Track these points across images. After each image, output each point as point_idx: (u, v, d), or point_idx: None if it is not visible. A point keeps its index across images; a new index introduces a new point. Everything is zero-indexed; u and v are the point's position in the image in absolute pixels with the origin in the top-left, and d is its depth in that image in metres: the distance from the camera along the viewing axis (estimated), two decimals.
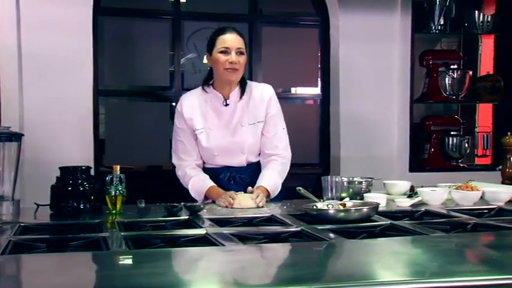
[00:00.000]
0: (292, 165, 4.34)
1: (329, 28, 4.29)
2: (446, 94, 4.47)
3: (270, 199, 2.69)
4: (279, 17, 4.38)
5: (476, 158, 4.81)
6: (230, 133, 2.75)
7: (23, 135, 2.32)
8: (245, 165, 2.79)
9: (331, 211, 2.17)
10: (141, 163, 4.09)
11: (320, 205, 2.29)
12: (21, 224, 2.05)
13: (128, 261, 1.57)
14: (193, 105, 2.77)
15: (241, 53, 2.69)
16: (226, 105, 2.76)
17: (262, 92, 2.82)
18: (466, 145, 4.50)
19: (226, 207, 2.47)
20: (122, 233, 1.90)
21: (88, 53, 3.73)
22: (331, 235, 1.88)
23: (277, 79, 4.32)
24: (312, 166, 4.40)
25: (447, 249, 1.67)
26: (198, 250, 1.68)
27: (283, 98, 4.45)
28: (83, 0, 3.70)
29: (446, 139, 4.47)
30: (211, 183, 2.70)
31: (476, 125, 4.96)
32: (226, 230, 1.96)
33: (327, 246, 1.75)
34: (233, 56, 2.66)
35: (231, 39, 2.68)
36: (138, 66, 4.07)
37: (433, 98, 4.53)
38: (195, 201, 2.69)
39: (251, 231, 1.97)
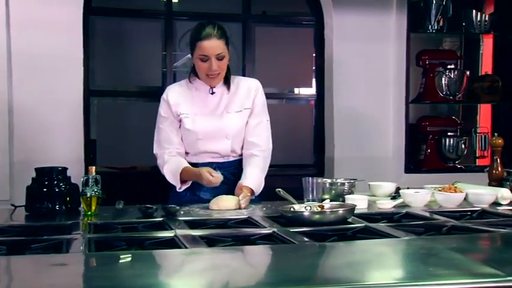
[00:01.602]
0: (286, 166, 4.37)
1: (323, 28, 4.25)
2: (443, 94, 4.41)
3: (254, 197, 2.66)
4: (272, 17, 4.35)
5: (477, 160, 4.75)
6: (216, 119, 2.72)
7: None
8: (229, 153, 2.75)
9: (306, 213, 2.13)
10: (132, 163, 4.07)
11: (297, 207, 2.25)
12: None
13: (75, 264, 1.54)
14: (179, 93, 2.75)
15: (222, 57, 2.63)
16: (213, 93, 2.74)
17: (250, 84, 2.82)
18: (463, 146, 4.43)
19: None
20: (88, 235, 1.87)
21: (78, 53, 3.72)
22: (301, 238, 1.84)
23: (271, 79, 4.29)
24: (306, 167, 4.35)
25: (409, 252, 1.64)
26: (157, 253, 1.65)
27: (277, 98, 4.44)
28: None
29: (443, 140, 4.41)
30: (185, 163, 2.66)
31: (478, 126, 4.89)
32: (196, 233, 1.93)
33: (290, 249, 1.72)
34: (213, 65, 2.60)
35: (209, 47, 2.58)
36: (130, 66, 4.06)
37: (430, 99, 4.47)
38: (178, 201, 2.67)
39: (221, 234, 1.94)
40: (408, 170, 4.36)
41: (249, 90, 2.79)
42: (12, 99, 3.60)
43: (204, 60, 2.61)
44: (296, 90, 4.47)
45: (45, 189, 2.32)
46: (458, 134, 4.49)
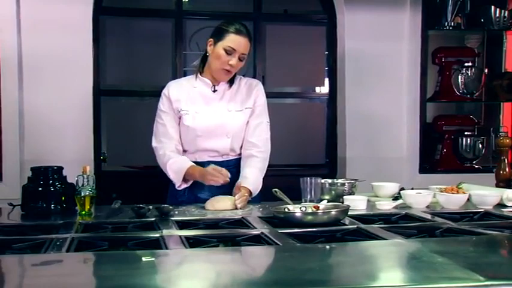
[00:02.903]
0: (297, 165, 4.32)
1: (336, 26, 4.19)
2: (459, 93, 4.31)
3: (251, 197, 2.63)
4: (284, 15, 4.30)
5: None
6: (216, 117, 2.69)
7: None
8: (228, 152, 2.72)
9: (298, 214, 2.09)
10: (142, 163, 4.06)
11: (291, 208, 2.21)
12: None
13: (47, 265, 1.52)
14: (180, 89, 2.73)
15: (243, 59, 2.64)
16: (215, 91, 2.72)
17: (252, 84, 2.80)
18: (481, 146, 4.32)
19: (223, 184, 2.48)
20: (74, 235, 1.86)
21: (88, 53, 3.74)
22: (287, 239, 1.81)
23: (282, 78, 4.26)
24: (318, 167, 4.29)
25: (390, 255, 1.59)
26: (132, 254, 1.63)
27: (289, 97, 4.39)
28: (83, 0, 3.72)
29: (460, 139, 4.31)
30: (191, 163, 2.64)
31: (501, 125, 4.75)
32: (183, 233, 1.91)
33: (269, 251, 1.69)
34: (235, 60, 2.60)
35: (241, 43, 2.59)
36: (140, 66, 4.06)
37: (446, 97, 4.36)
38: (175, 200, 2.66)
39: (208, 235, 1.91)
40: (423, 170, 4.27)
41: (250, 90, 2.77)
42: (22, 99, 3.64)
43: (229, 53, 2.59)
44: (308, 90, 4.41)
45: (40, 189, 2.33)
46: (475, 133, 4.37)
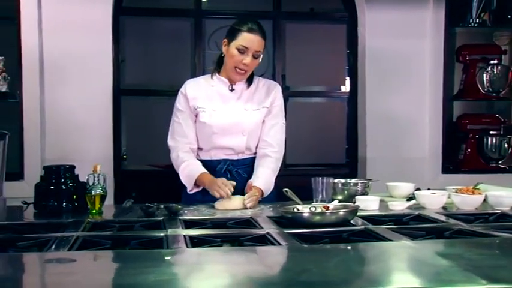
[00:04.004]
0: (318, 165, 4.28)
1: (356, 24, 4.13)
2: (484, 91, 4.20)
3: (263, 198, 2.61)
4: (304, 14, 4.27)
5: None
6: (233, 115, 2.69)
7: (7, 134, 2.34)
8: (244, 150, 2.71)
9: (306, 214, 2.06)
10: (162, 162, 4.08)
11: (300, 208, 2.18)
12: None
13: (45, 263, 1.53)
14: (198, 87, 2.74)
15: (257, 56, 2.63)
16: (232, 89, 2.71)
17: (270, 85, 2.80)
18: (507, 145, 4.21)
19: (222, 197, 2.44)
20: (79, 233, 1.87)
21: (108, 53, 3.77)
22: (291, 240, 1.78)
23: (302, 77, 4.23)
24: (339, 167, 4.25)
25: (391, 257, 1.55)
26: (130, 253, 1.63)
27: (309, 96, 4.35)
28: (103, 0, 3.75)
29: (485, 139, 4.21)
30: (203, 169, 2.64)
31: None
32: (188, 233, 1.90)
33: (268, 251, 1.66)
34: (248, 59, 2.59)
35: (253, 41, 2.58)
36: (160, 65, 4.08)
37: (470, 96, 4.27)
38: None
39: (213, 234, 1.90)
40: (446, 170, 4.18)
41: (268, 91, 2.76)
42: (44, 99, 3.69)
43: (242, 51, 2.59)
44: (328, 89, 4.37)
45: (52, 187, 2.35)
46: (501, 132, 4.26)
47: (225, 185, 2.48)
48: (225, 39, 2.66)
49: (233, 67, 2.62)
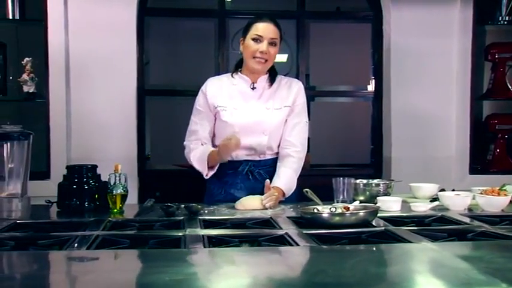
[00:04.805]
0: (342, 165, 4.25)
1: (381, 22, 4.09)
2: None
3: (285, 198, 2.61)
4: (327, 13, 4.23)
5: None
6: (255, 113, 2.69)
7: (31, 133, 2.38)
8: (265, 150, 2.70)
9: (325, 215, 2.04)
10: (185, 162, 4.09)
11: (320, 208, 2.16)
12: (17, 221, 2.10)
13: (62, 261, 1.54)
14: (219, 86, 2.76)
15: (274, 44, 2.65)
16: (253, 88, 2.72)
17: (292, 83, 2.80)
18: None
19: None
20: (99, 232, 1.89)
21: (133, 53, 3.80)
22: (309, 240, 1.77)
23: (327, 76, 4.20)
24: (364, 167, 4.21)
25: (409, 259, 1.53)
26: (148, 252, 1.63)
27: (333, 96, 4.32)
28: (128, 1, 3.78)
29: None
30: (211, 148, 2.66)
31: None
32: (206, 233, 1.90)
33: (284, 252, 1.65)
34: (264, 46, 2.62)
35: (265, 28, 2.63)
36: (184, 66, 4.10)
37: (499, 95, 4.18)
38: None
39: (231, 234, 1.90)
40: (474, 171, 4.10)
41: (290, 89, 2.75)
42: (70, 99, 3.73)
43: (257, 40, 2.62)
44: (353, 88, 4.33)
45: (74, 186, 2.38)
46: None
47: (227, 139, 2.48)
48: (241, 38, 2.72)
49: (251, 57, 2.65)
